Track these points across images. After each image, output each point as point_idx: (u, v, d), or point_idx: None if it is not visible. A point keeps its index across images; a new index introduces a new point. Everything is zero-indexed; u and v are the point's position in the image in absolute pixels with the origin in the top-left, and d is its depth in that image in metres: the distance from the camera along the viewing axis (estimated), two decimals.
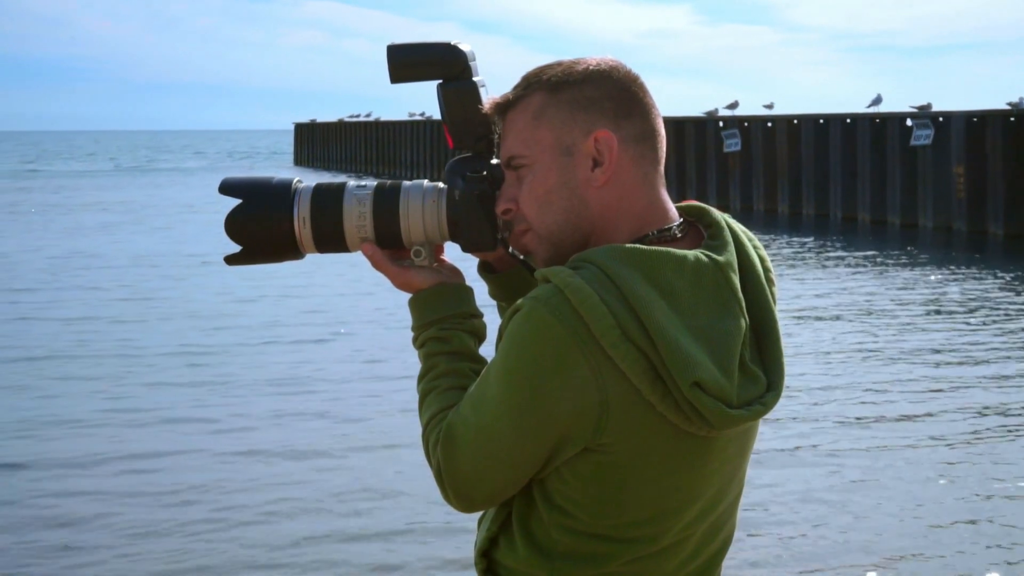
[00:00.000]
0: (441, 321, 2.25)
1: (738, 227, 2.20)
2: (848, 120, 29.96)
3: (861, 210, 29.05)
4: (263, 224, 2.26)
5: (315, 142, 73.73)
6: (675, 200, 2.18)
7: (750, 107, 36.56)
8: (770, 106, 35.19)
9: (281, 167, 72.44)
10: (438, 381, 2.21)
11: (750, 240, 2.21)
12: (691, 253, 2.08)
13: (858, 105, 31.91)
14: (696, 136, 35.01)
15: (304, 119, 78.50)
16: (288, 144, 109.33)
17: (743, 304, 2.09)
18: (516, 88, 2.18)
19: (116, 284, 18.62)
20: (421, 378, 2.24)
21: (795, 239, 25.47)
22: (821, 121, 30.74)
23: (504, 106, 2.19)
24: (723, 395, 2.02)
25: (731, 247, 2.13)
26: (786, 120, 31.98)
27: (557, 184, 2.13)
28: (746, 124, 33.49)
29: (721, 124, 34.34)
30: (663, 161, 2.19)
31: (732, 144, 33.43)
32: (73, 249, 23.88)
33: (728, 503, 2.20)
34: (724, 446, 2.12)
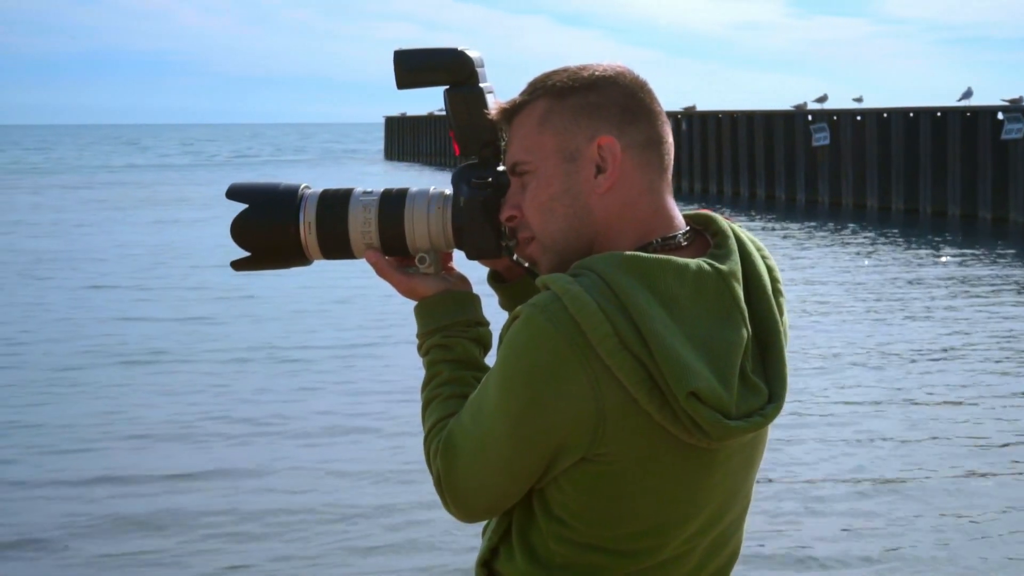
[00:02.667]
0: (445, 329, 2.24)
1: (746, 236, 2.17)
2: (938, 114, 29.56)
3: (951, 204, 28.65)
4: (269, 229, 2.25)
5: (405, 136, 74.09)
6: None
7: (839, 100, 36.29)
8: (859, 100, 34.85)
9: (372, 162, 72.72)
10: (440, 389, 2.20)
11: (759, 250, 2.17)
12: (693, 262, 2.05)
13: (949, 99, 31.51)
14: (785, 130, 34.75)
15: (395, 112, 78.86)
16: (378, 138, 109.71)
17: (745, 314, 2.05)
18: (522, 94, 2.16)
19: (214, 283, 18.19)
20: (424, 386, 2.22)
21: (883, 232, 25.18)
22: (911, 115, 30.36)
23: (510, 112, 2.16)
24: (721, 406, 1.98)
25: (735, 256, 2.10)
26: (875, 114, 31.65)
27: (560, 191, 2.11)
28: (835, 118, 33.18)
29: (810, 118, 34.03)
30: (670, 168, 2.16)
31: (821, 138, 33.11)
32: (164, 243, 23.96)
33: (734, 516, 2.17)
34: (728, 458, 2.08)
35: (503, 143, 2.21)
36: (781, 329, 2.10)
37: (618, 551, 2.07)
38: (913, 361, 12.29)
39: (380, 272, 2.27)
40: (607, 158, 2.09)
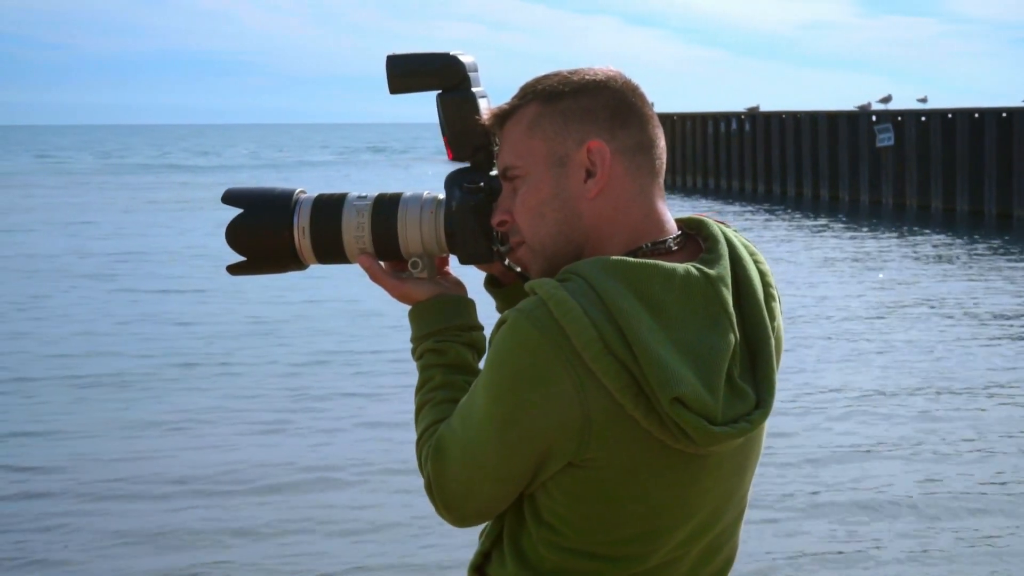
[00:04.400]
0: (438, 333, 2.24)
1: (739, 241, 2.15)
2: (1004, 114, 29.21)
3: (1016, 206, 28.31)
4: (263, 234, 2.26)
5: None
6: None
7: (904, 101, 35.97)
8: (924, 100, 34.53)
9: (439, 163, 72.80)
10: (433, 394, 2.20)
11: (752, 255, 2.15)
12: (681, 266, 2.03)
13: (1014, 99, 31.13)
14: (849, 131, 34.48)
15: None
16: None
17: (733, 319, 2.04)
18: (514, 98, 2.16)
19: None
20: (417, 390, 2.23)
21: (947, 236, 24.94)
22: (976, 115, 30.02)
23: (502, 117, 2.16)
24: (706, 411, 1.96)
25: (725, 260, 2.08)
26: (940, 114, 31.30)
27: (550, 195, 2.10)
28: (899, 118, 32.86)
29: (874, 118, 33.74)
30: (662, 173, 2.15)
31: (885, 139, 32.82)
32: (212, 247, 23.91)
33: (727, 523, 2.15)
34: (718, 464, 2.07)
35: (496, 148, 2.21)
36: (771, 335, 2.08)
37: (607, 557, 2.06)
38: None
39: (373, 277, 2.28)
40: (596, 162, 2.09)
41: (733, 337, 2.03)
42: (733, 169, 40.38)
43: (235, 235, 2.27)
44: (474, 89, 2.23)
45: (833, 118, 35.28)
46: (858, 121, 34.34)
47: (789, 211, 31.82)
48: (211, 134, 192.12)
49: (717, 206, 33.57)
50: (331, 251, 2.27)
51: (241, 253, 2.28)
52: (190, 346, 13.45)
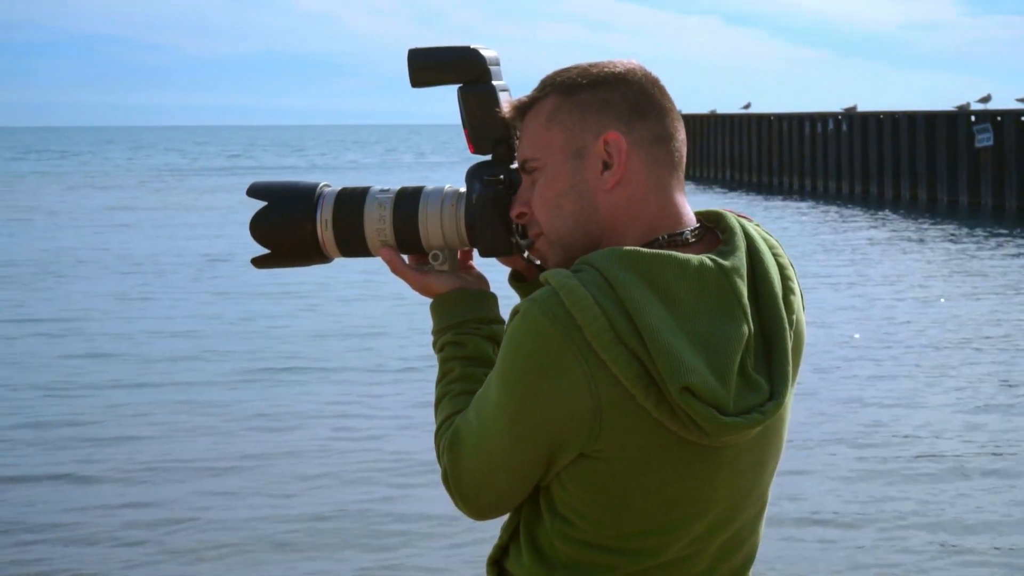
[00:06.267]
0: (458, 326, 2.25)
1: (757, 234, 2.14)
2: None
3: None
4: (286, 227, 2.28)
5: None
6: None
7: (1004, 101, 35.39)
8: None
9: None
10: (452, 386, 2.21)
11: (771, 248, 2.14)
12: (696, 257, 2.03)
13: None
14: (947, 131, 34.00)
15: None
16: None
17: (747, 310, 2.03)
18: (534, 91, 2.17)
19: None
20: (437, 383, 2.24)
21: None
22: None
23: (521, 109, 2.17)
24: (716, 401, 1.95)
25: (740, 252, 2.07)
26: None
27: (567, 187, 2.11)
28: (999, 118, 32.36)
29: (973, 119, 33.25)
30: (682, 165, 2.14)
31: (984, 139, 32.33)
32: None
33: (747, 519, 2.13)
34: (735, 457, 2.05)
35: (516, 141, 2.21)
36: (787, 327, 2.07)
37: (621, 550, 2.05)
38: None
39: (394, 269, 2.29)
40: (613, 154, 2.09)
41: (747, 328, 2.01)
42: (830, 170, 39.98)
43: (259, 228, 2.30)
44: (495, 82, 2.24)
45: (931, 118, 34.82)
46: (956, 121, 33.86)
47: (886, 212, 31.44)
48: (313, 134, 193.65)
49: (813, 207, 33.23)
50: (353, 244, 2.28)
51: (265, 246, 2.30)
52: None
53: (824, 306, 15.56)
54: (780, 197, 37.66)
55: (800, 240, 24.15)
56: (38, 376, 11.98)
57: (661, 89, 2.14)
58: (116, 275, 19.70)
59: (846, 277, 18.73)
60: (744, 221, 2.15)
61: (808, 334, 2.01)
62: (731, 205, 33.64)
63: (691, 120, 51.52)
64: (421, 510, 7.86)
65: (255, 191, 2.31)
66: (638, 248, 2.02)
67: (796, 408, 8.76)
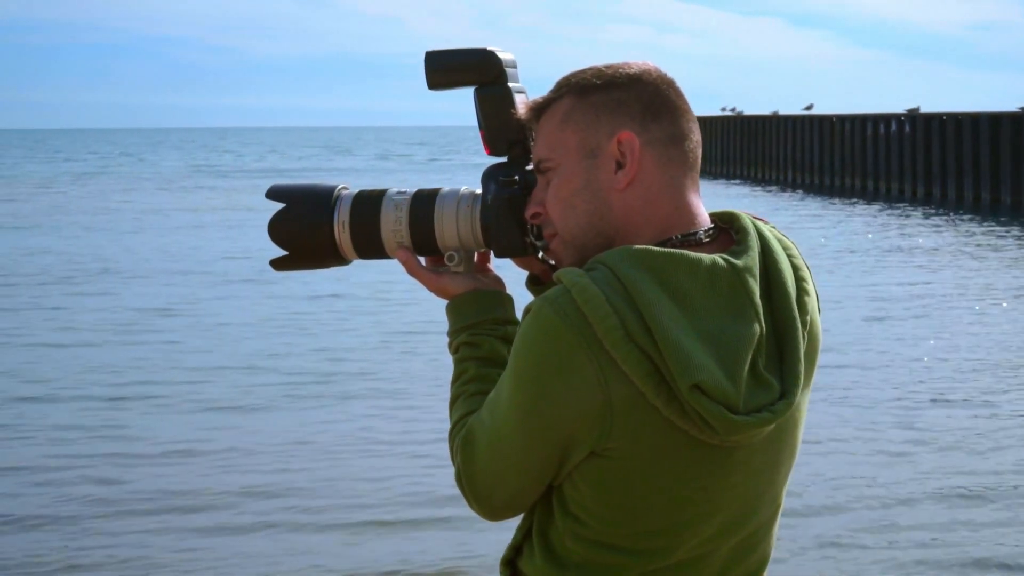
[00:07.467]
0: (473, 327, 2.26)
1: (771, 234, 2.14)
2: None
3: None
4: (304, 229, 2.30)
5: None
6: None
7: None
8: None
9: None
10: (466, 387, 2.22)
11: (786, 249, 2.14)
12: (708, 257, 2.03)
13: None
14: (1012, 132, 33.68)
15: None
16: None
17: (759, 309, 2.03)
18: (549, 92, 2.18)
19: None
20: (452, 383, 2.25)
21: None
22: None
23: (537, 110, 2.18)
24: (726, 399, 1.95)
25: (753, 252, 2.07)
26: None
27: (581, 187, 2.11)
28: None
29: None
30: (697, 166, 2.14)
31: None
32: None
33: (760, 522, 2.13)
34: (747, 458, 2.05)
35: (532, 142, 2.22)
36: (800, 327, 2.06)
37: (631, 549, 2.06)
38: None
39: (410, 271, 2.31)
40: (626, 153, 2.09)
41: (759, 328, 2.01)
42: (892, 171, 39.70)
43: (277, 229, 2.32)
44: (511, 85, 2.25)
45: (995, 119, 34.49)
46: (1021, 122, 33.53)
47: (949, 213, 31.15)
48: (384, 135, 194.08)
49: (876, 209, 32.98)
50: (370, 246, 2.30)
51: (283, 247, 2.32)
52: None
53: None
54: (841, 199, 37.42)
55: (861, 242, 23.96)
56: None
57: (676, 90, 2.14)
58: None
59: (908, 279, 18.60)
60: (759, 223, 2.15)
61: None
62: (793, 207, 33.55)
63: (753, 122, 51.32)
64: None
65: (274, 193, 2.33)
66: (650, 247, 2.02)
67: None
